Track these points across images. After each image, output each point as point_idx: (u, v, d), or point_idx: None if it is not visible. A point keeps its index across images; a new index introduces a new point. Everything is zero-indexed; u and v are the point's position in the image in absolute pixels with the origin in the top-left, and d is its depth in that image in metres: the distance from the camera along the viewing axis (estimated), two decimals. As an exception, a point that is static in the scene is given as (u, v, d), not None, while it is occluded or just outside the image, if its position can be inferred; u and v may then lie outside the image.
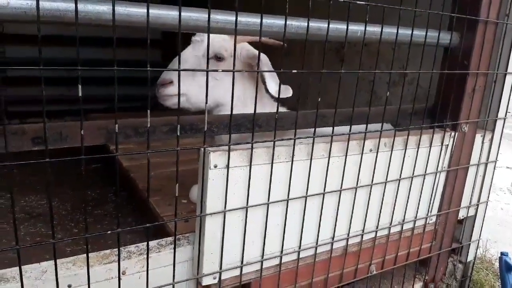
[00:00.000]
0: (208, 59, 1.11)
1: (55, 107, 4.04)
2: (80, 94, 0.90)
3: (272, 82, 1.66)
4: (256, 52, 1.78)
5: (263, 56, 1.72)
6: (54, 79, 3.92)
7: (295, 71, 1.22)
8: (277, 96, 1.62)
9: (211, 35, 1.71)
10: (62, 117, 4.07)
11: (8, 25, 3.91)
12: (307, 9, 1.21)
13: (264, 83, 1.67)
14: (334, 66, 1.28)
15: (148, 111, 1.01)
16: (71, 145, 1.08)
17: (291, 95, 1.67)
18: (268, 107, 1.76)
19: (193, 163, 1.87)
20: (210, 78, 1.63)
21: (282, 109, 1.78)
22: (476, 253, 2.23)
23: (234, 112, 1.18)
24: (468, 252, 2.15)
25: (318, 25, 1.32)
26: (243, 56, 1.77)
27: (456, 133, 1.78)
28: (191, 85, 1.66)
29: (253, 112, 1.23)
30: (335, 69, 1.32)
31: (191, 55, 1.71)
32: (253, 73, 1.77)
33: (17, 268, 0.97)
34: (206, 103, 1.11)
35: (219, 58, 1.72)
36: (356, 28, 1.40)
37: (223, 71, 1.42)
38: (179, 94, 1.07)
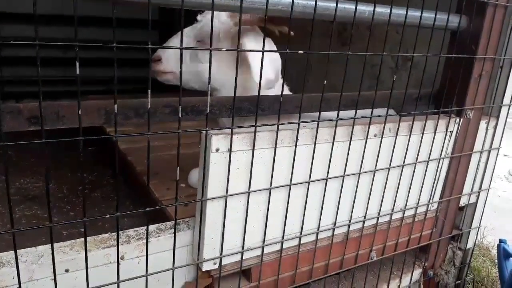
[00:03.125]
0: (211, 38, 1.06)
1: (50, 88, 3.96)
2: (77, 72, 0.86)
3: (256, 67, 1.52)
4: (250, 34, 1.71)
5: (256, 37, 1.65)
6: (49, 59, 3.84)
7: (301, 51, 1.17)
8: (263, 84, 1.54)
9: (209, 17, 1.67)
10: (57, 99, 4.01)
11: (1, 3, 3.80)
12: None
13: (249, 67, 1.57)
14: (336, 50, 1.23)
15: (149, 91, 0.96)
16: (68, 126, 1.04)
17: (273, 87, 1.60)
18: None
19: (192, 147, 1.84)
20: (197, 61, 1.65)
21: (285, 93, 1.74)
22: (475, 240, 2.22)
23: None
24: (467, 239, 2.14)
25: (325, 4, 1.27)
26: (233, 37, 1.68)
27: (461, 119, 1.75)
28: (178, 65, 1.62)
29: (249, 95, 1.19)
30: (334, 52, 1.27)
31: (185, 36, 1.67)
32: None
33: (13, 252, 0.94)
34: (209, 83, 1.07)
35: (199, 41, 1.68)
36: (364, 9, 1.35)
37: (227, 50, 1.37)
38: (180, 78, 1.03)
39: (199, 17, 1.70)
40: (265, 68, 1.53)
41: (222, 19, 1.65)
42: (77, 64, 0.85)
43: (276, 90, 1.69)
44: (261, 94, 1.17)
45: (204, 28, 1.67)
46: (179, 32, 1.66)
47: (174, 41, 1.71)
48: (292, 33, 1.38)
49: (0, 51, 3.91)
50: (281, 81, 1.63)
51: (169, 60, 1.69)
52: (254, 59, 1.49)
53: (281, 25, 1.61)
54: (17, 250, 0.92)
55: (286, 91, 1.76)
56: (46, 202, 2.44)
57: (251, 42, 1.57)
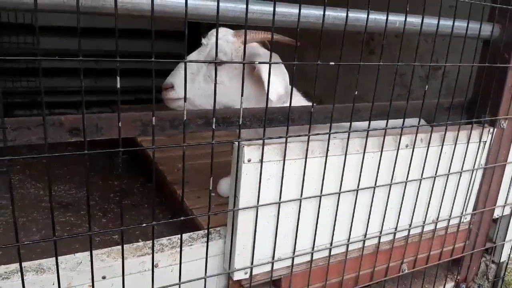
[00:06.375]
0: (244, 52, 1.08)
1: (80, 98, 4.10)
2: (118, 86, 0.89)
3: (274, 84, 1.56)
4: (261, 51, 1.75)
5: (264, 53, 1.69)
6: (78, 70, 3.97)
7: (333, 63, 1.18)
8: (275, 100, 1.56)
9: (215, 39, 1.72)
10: (87, 108, 4.14)
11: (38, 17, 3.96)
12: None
13: (263, 84, 1.60)
14: (363, 58, 1.23)
15: (185, 103, 0.99)
16: (107, 137, 1.08)
17: (285, 102, 1.61)
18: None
19: (220, 156, 1.86)
20: (211, 82, 1.69)
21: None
22: (510, 253, 2.16)
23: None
24: (501, 252, 2.08)
25: (356, 15, 1.28)
26: (247, 56, 1.71)
27: (495, 129, 1.71)
28: (192, 89, 1.71)
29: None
30: (364, 62, 1.26)
31: (194, 59, 1.73)
32: (258, 74, 1.66)
33: (53, 258, 0.98)
34: (242, 95, 1.08)
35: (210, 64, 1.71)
36: (395, 19, 1.35)
37: (259, 63, 1.39)
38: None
39: (204, 41, 1.75)
40: (277, 84, 1.56)
41: (230, 39, 1.69)
42: (118, 79, 0.88)
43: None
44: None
45: (213, 51, 1.70)
46: (189, 55, 1.74)
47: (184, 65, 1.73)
48: (299, 43, 1.40)
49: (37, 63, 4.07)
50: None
51: (182, 87, 1.58)
52: (266, 77, 1.52)
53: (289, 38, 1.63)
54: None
55: (304, 102, 1.78)
56: (79, 209, 2.50)
57: (267, 58, 1.60)
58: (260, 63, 1.58)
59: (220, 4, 1.04)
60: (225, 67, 1.71)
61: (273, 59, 1.45)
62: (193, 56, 1.77)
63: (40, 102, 0.89)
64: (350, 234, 1.46)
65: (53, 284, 1.07)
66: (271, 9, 1.07)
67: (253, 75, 1.67)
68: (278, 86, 1.57)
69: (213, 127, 1.07)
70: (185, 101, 0.99)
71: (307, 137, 1.24)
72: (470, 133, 1.62)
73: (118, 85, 0.90)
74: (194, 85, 1.71)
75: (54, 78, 4.02)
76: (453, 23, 1.42)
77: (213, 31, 1.71)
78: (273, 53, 1.59)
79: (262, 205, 1.24)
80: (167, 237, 1.26)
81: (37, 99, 4.13)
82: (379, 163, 1.41)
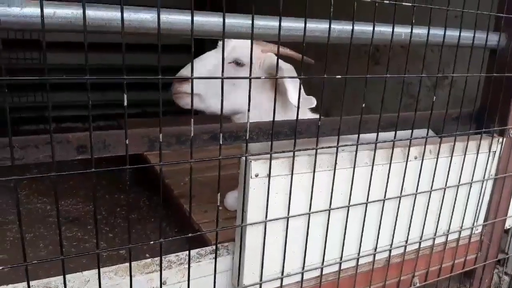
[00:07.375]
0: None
1: (86, 112, 4.12)
2: (125, 104, 0.89)
3: (294, 92, 1.60)
4: (281, 63, 1.74)
5: (287, 66, 1.69)
6: (85, 84, 4.00)
7: (339, 76, 1.17)
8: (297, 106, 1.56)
9: (235, 40, 1.70)
10: (94, 122, 4.16)
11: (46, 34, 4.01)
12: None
13: (285, 93, 1.62)
14: (369, 69, 1.23)
15: (192, 120, 0.99)
16: (114, 154, 1.07)
17: (314, 105, 1.63)
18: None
19: (227, 168, 1.85)
20: (228, 82, 1.63)
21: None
22: (523, 264, 2.12)
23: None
24: (514, 264, 2.05)
25: (361, 28, 1.28)
26: (266, 65, 1.74)
27: (504, 139, 1.69)
28: (207, 86, 1.63)
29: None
30: (370, 74, 1.26)
31: (213, 57, 1.68)
32: (277, 83, 1.68)
33: (61, 277, 0.97)
34: (249, 110, 1.08)
35: (238, 63, 1.70)
36: (401, 31, 1.34)
37: (240, 78, 1.40)
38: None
39: (220, 42, 1.70)
40: (294, 93, 1.60)
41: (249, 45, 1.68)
42: (125, 96, 0.88)
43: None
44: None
45: (236, 50, 1.70)
46: (207, 53, 1.72)
47: (201, 62, 1.67)
48: (308, 59, 1.41)
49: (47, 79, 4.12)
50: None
51: (197, 81, 1.60)
52: (290, 85, 1.59)
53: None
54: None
55: (311, 115, 1.79)
56: (86, 223, 2.50)
57: (288, 70, 1.65)
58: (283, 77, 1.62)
59: (226, 20, 1.04)
60: (246, 71, 1.66)
61: (285, 69, 1.46)
62: (210, 54, 1.71)
63: (47, 117, 0.89)
64: (360, 247, 1.44)
65: (61, 303, 1.06)
66: (277, 23, 1.07)
67: (272, 87, 1.68)
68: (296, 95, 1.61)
69: (220, 142, 1.06)
70: (192, 117, 0.98)
71: (314, 150, 1.23)
72: (480, 143, 1.60)
73: (125, 103, 0.89)
74: (210, 82, 1.63)
75: (61, 92, 4.06)
76: (460, 33, 1.42)
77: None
78: (287, 64, 1.61)
79: (270, 220, 1.22)
80: (175, 254, 1.25)
81: (44, 114, 4.16)
82: (388, 176, 1.39)
